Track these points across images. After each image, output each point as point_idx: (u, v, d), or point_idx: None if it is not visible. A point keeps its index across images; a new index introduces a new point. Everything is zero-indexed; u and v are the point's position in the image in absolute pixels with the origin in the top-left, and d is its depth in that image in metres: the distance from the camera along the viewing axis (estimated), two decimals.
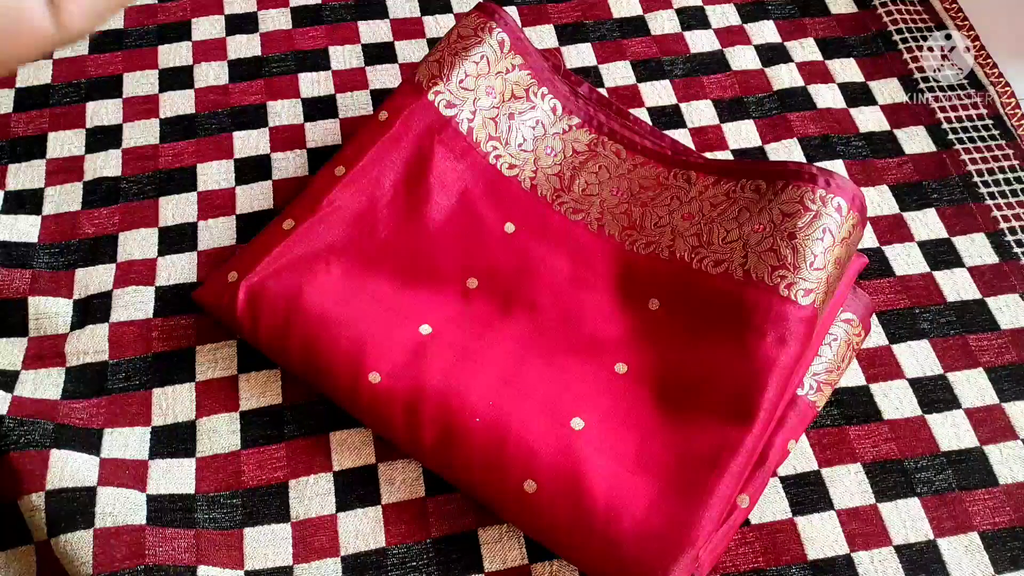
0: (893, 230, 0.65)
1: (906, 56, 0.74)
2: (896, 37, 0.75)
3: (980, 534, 0.52)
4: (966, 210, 0.66)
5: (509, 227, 0.60)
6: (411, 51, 0.73)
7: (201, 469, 0.53)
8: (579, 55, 0.73)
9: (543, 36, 0.75)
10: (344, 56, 0.73)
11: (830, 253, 0.52)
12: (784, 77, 0.72)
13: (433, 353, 0.53)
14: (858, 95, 0.72)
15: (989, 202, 0.66)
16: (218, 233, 0.63)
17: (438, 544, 0.52)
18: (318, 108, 0.70)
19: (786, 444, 0.52)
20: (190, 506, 0.52)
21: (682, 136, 0.69)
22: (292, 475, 0.54)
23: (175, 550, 0.49)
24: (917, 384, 0.58)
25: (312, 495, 0.53)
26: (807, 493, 0.53)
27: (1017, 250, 0.64)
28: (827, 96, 0.71)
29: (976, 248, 0.64)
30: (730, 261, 0.54)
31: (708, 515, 0.48)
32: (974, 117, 0.71)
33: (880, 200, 0.66)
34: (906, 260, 0.63)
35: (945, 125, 0.70)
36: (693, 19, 0.76)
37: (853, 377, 0.58)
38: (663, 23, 0.76)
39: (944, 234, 0.64)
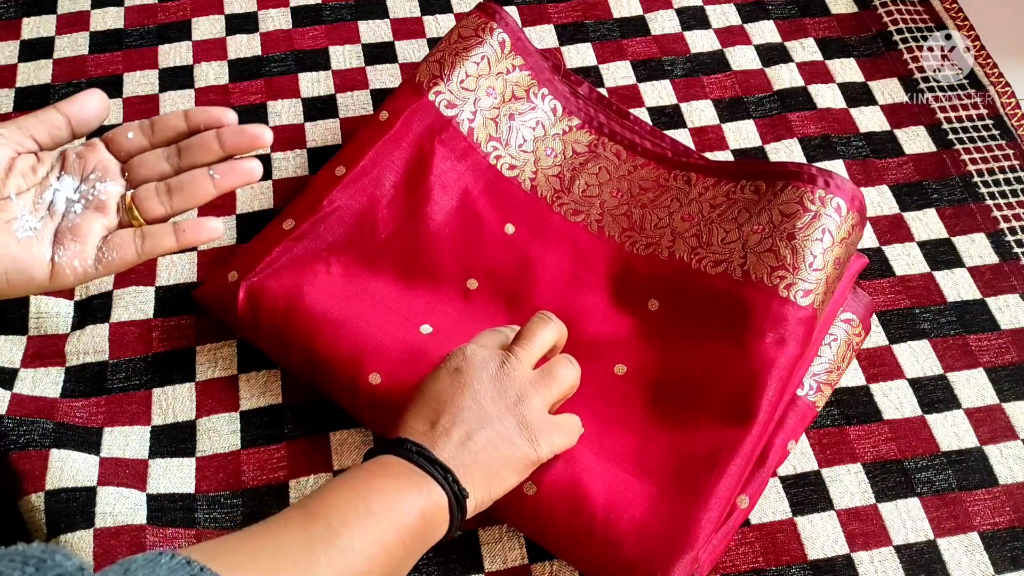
0: (893, 230, 0.65)
1: (906, 56, 0.74)
2: (896, 37, 0.75)
3: (980, 534, 0.52)
4: (966, 210, 0.66)
5: (509, 228, 0.60)
6: (411, 51, 0.73)
7: (201, 469, 0.53)
8: (579, 55, 0.73)
9: (543, 36, 0.75)
10: (344, 56, 0.73)
11: (829, 253, 0.52)
12: (784, 77, 0.72)
13: (434, 353, 0.53)
14: (858, 95, 0.72)
15: (989, 202, 0.66)
16: None
17: (438, 544, 0.52)
18: (318, 108, 0.70)
19: (786, 444, 0.53)
20: (190, 506, 0.52)
21: (682, 136, 0.69)
22: (292, 475, 0.54)
23: (176, 549, 0.49)
24: (917, 384, 0.58)
25: None
26: (807, 493, 0.53)
27: (1017, 250, 0.64)
28: (827, 96, 0.71)
29: (976, 248, 0.64)
30: (729, 262, 0.54)
31: (708, 516, 0.48)
32: (974, 117, 0.71)
33: (880, 200, 0.66)
34: (906, 260, 0.63)
35: (945, 125, 0.70)
36: (693, 19, 0.76)
37: (853, 377, 0.58)
38: (663, 23, 0.76)
39: (944, 234, 0.64)
